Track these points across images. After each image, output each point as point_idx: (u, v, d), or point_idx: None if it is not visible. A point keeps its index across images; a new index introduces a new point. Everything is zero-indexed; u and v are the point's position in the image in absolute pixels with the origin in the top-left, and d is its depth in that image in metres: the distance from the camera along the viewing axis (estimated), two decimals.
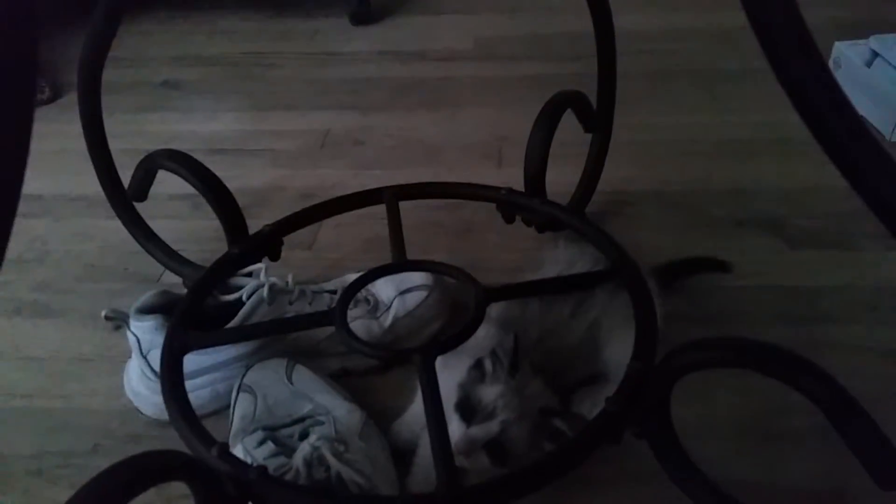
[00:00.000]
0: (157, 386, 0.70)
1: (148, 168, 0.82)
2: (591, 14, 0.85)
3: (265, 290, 0.71)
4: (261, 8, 1.76)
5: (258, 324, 0.71)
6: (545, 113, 0.83)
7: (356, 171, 1.16)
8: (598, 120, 0.93)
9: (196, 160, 0.81)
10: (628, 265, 0.68)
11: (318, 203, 0.84)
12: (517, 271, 0.91)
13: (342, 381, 0.74)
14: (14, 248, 1.02)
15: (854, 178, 0.36)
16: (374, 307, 0.78)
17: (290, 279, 0.76)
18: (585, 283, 0.68)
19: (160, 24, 1.73)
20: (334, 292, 0.79)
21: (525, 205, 0.82)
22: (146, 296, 0.72)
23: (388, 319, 0.77)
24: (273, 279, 0.73)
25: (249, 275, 0.76)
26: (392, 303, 0.78)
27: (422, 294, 0.78)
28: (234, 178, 1.10)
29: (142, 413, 0.73)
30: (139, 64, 1.55)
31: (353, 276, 0.82)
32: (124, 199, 0.91)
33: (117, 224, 0.94)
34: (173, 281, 0.92)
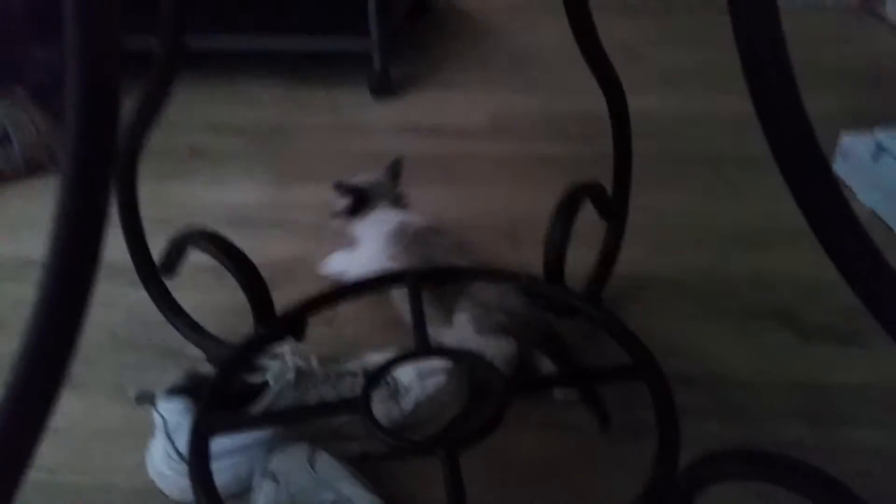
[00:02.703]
0: (182, 467, 0.71)
1: (181, 246, 0.85)
2: (609, 106, 0.89)
3: (292, 375, 0.73)
4: (284, 78, 1.82)
5: (286, 410, 0.72)
6: (564, 205, 0.86)
7: None
8: (613, 207, 0.95)
9: (229, 242, 0.84)
10: (650, 364, 0.69)
11: (344, 285, 0.87)
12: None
13: (362, 465, 0.74)
14: None
15: (852, 280, 0.38)
16: (395, 390, 0.79)
17: (314, 362, 0.77)
18: (610, 377, 0.69)
19: (186, 88, 1.77)
20: (355, 374, 0.80)
21: (544, 293, 0.84)
22: (174, 377, 0.74)
23: (408, 404, 0.78)
24: (299, 362, 0.75)
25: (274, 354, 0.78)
26: (412, 387, 0.79)
27: (442, 379, 0.80)
28: (258, 249, 1.12)
29: (164, 494, 0.73)
30: (165, 129, 1.59)
31: (373, 357, 0.84)
32: (153, 272, 0.93)
33: (141, 293, 0.96)
34: (196, 353, 0.94)
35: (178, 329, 0.93)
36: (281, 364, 0.74)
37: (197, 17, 1.74)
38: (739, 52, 0.39)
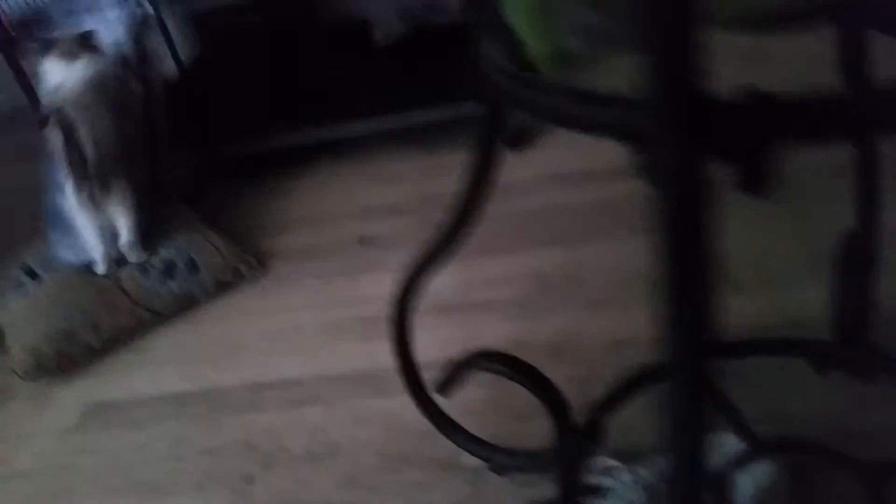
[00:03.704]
0: None
1: (463, 367, 0.86)
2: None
3: (639, 496, 0.72)
4: (412, 147, 1.82)
5: None
6: (843, 259, 0.83)
7: (590, 314, 1.17)
8: (866, 240, 0.92)
9: (514, 357, 0.84)
10: None
11: (630, 378, 0.86)
12: (836, 419, 0.87)
13: None
14: (298, 442, 1.07)
15: None
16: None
17: (642, 472, 0.77)
18: None
19: (328, 174, 1.81)
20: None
21: (847, 357, 0.81)
22: None
23: (745, 500, 0.77)
24: (638, 479, 0.74)
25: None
26: (741, 480, 0.78)
27: (768, 467, 0.78)
28: (474, 338, 1.11)
29: None
30: (327, 221, 1.63)
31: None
32: (419, 382, 0.94)
33: (389, 403, 0.98)
34: (474, 462, 0.94)
35: (454, 441, 0.94)
36: (620, 484, 0.73)
37: (329, 108, 1.77)
38: None
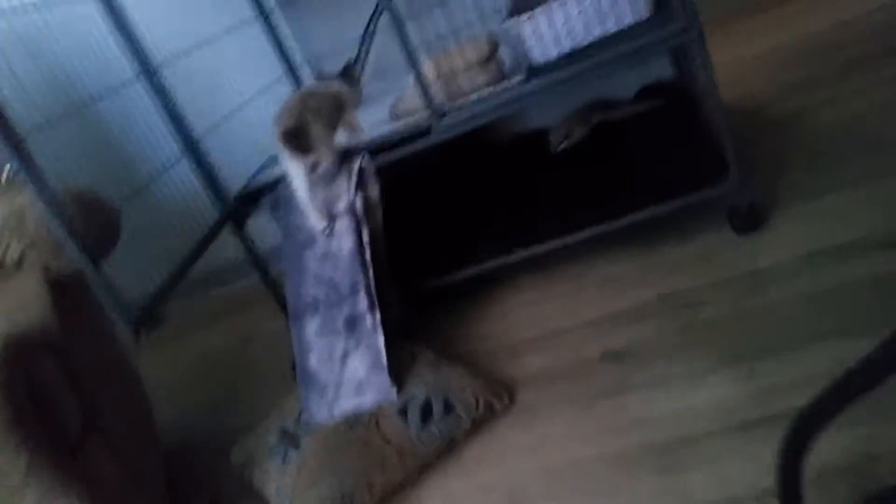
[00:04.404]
0: None
1: None
2: None
3: None
4: (628, 243, 1.72)
5: None
6: None
7: None
8: None
9: None
10: None
11: None
12: None
13: None
14: None
15: None
16: None
17: None
18: None
19: (538, 290, 1.74)
20: None
21: None
22: None
23: None
24: None
25: None
26: None
27: None
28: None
29: None
30: (558, 338, 1.54)
31: None
32: None
33: None
34: None
35: None
36: None
37: (528, 224, 1.73)
38: None
